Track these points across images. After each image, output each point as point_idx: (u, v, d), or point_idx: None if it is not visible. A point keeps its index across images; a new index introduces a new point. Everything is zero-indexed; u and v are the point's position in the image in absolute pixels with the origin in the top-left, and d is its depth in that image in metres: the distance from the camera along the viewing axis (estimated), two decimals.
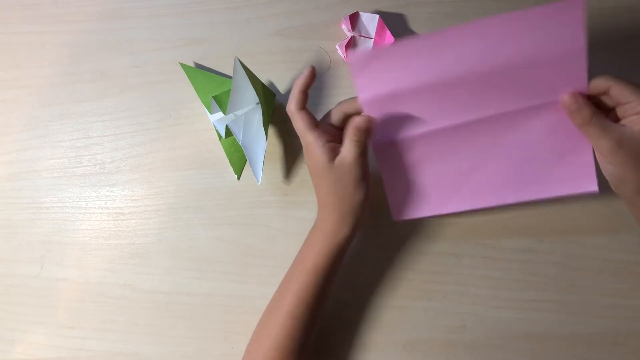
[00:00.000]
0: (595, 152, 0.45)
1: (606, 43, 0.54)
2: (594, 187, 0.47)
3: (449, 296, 0.53)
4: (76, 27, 0.59)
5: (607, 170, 0.45)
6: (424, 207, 0.50)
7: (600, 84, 0.44)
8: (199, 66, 0.58)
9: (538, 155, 0.48)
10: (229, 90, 0.50)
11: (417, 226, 0.54)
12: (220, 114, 0.52)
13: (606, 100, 0.44)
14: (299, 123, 0.46)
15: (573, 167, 0.47)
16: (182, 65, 0.55)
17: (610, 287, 0.52)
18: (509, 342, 0.52)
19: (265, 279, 0.55)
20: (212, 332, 0.55)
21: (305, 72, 0.47)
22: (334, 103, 0.55)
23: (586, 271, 0.52)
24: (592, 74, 0.54)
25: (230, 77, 0.56)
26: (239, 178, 0.54)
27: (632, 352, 0.49)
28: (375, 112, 0.47)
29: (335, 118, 0.47)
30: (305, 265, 0.48)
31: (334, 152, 0.45)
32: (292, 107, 0.46)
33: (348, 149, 0.45)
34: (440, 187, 0.50)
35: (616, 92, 0.43)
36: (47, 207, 0.58)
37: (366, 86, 0.46)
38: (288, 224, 0.55)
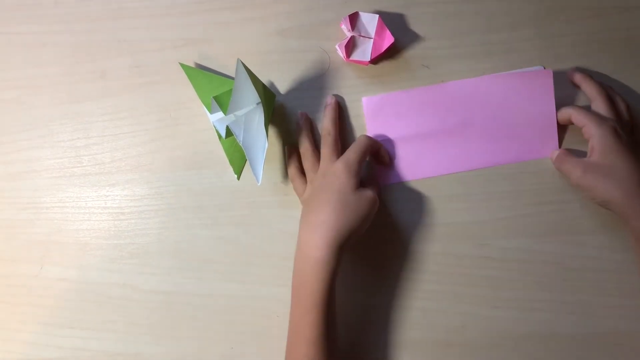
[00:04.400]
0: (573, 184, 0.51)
1: (606, 43, 0.54)
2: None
3: (448, 296, 0.53)
4: (76, 27, 0.59)
5: (587, 195, 0.51)
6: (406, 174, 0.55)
7: (563, 113, 0.52)
8: (199, 66, 0.58)
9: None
10: (230, 90, 0.50)
11: (418, 226, 0.54)
12: (220, 114, 0.52)
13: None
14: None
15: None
16: (182, 65, 0.55)
17: (610, 287, 0.52)
18: (509, 342, 0.52)
19: (265, 279, 0.55)
20: (212, 332, 0.55)
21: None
22: None
23: (586, 271, 0.52)
24: (592, 75, 0.54)
25: (230, 78, 0.56)
26: (238, 178, 0.54)
27: (632, 352, 0.49)
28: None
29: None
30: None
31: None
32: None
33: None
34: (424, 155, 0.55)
35: (575, 119, 0.50)
36: (47, 207, 0.58)
37: (376, 128, 0.55)
38: (288, 224, 0.55)
